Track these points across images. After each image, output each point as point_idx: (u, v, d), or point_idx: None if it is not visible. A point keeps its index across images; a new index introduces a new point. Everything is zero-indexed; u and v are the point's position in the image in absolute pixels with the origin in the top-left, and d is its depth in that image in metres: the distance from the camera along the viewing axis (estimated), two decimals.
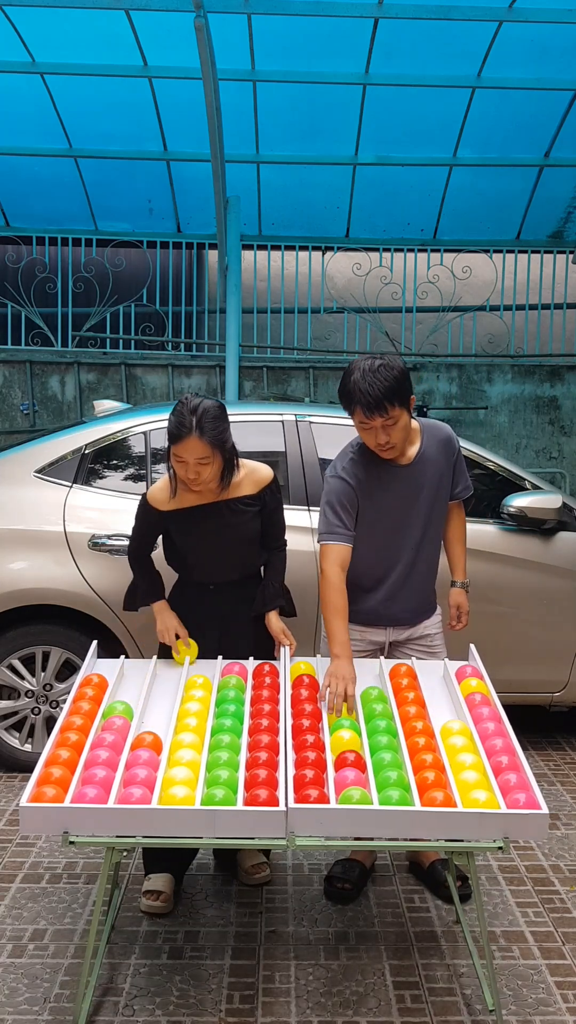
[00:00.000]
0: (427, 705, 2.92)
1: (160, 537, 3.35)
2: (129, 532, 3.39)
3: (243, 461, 3.23)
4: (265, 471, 3.28)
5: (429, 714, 2.88)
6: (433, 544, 3.31)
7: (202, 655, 3.26)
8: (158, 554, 3.37)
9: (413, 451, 3.19)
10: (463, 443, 4.56)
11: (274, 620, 3.30)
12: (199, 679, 3.07)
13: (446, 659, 3.23)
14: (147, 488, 4.13)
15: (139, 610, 3.45)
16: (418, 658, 3.28)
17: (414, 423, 3.22)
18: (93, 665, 3.23)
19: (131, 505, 3.98)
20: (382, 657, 3.25)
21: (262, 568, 3.39)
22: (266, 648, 3.34)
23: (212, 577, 3.27)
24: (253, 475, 3.24)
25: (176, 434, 3.03)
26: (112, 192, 9.28)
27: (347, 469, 3.16)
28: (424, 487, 3.19)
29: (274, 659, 3.29)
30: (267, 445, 4.50)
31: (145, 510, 3.26)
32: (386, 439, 3.04)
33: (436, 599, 3.41)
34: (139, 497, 3.97)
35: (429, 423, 3.27)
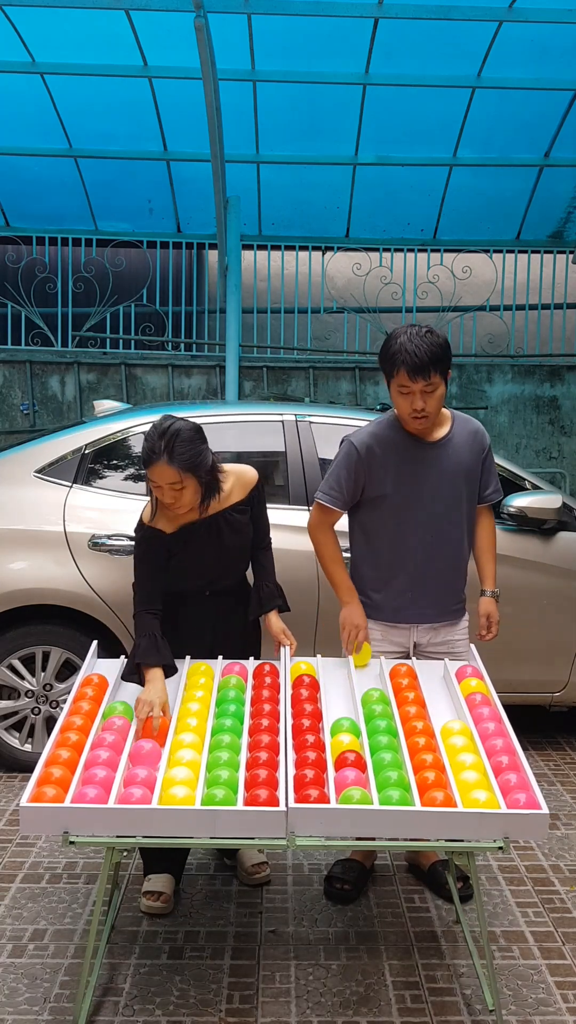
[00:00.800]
0: (427, 705, 2.92)
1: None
2: (129, 532, 3.35)
3: (227, 467, 3.17)
4: (251, 473, 3.24)
5: (429, 714, 2.88)
6: (457, 542, 3.25)
7: (196, 657, 3.22)
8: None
9: (441, 432, 3.19)
10: None
11: (274, 621, 3.29)
12: (200, 679, 3.06)
13: (446, 659, 3.22)
14: (146, 487, 4.13)
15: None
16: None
17: (447, 411, 3.24)
18: (93, 665, 3.23)
19: (131, 505, 4.00)
20: (382, 657, 3.24)
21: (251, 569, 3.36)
22: (255, 649, 3.34)
23: (208, 586, 3.22)
24: (240, 480, 3.19)
25: (146, 459, 2.96)
26: (112, 192, 9.29)
27: (360, 438, 3.18)
28: (447, 472, 3.17)
29: (268, 659, 3.28)
30: (267, 445, 4.50)
31: (150, 536, 3.09)
32: (422, 405, 3.04)
33: (465, 605, 3.37)
34: (139, 497, 3.96)
35: (461, 414, 3.30)
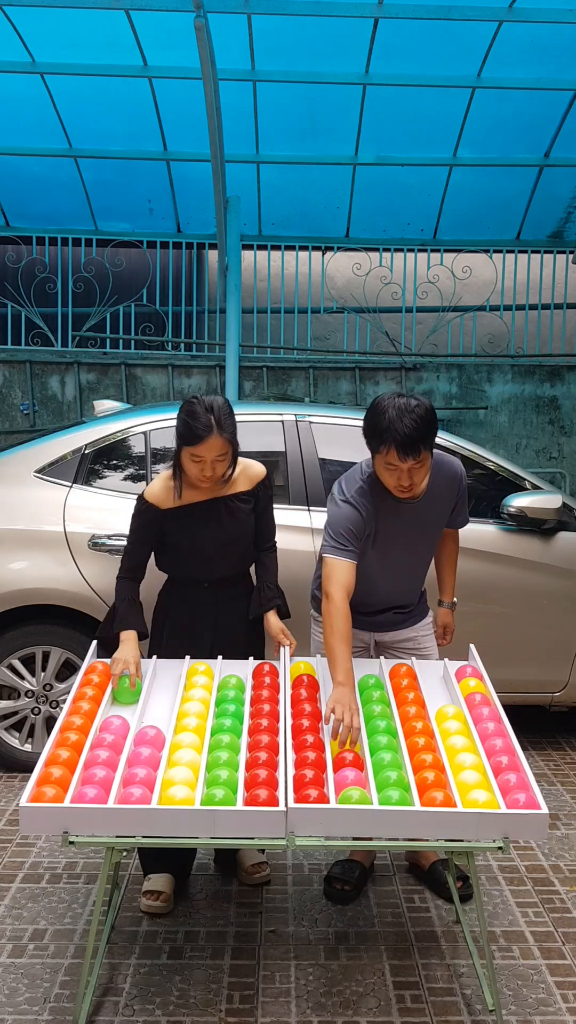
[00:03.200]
0: (427, 705, 2.92)
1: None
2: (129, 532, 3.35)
3: (239, 458, 3.25)
4: (259, 467, 3.31)
5: (429, 714, 2.88)
6: (424, 566, 3.32)
7: (195, 655, 3.22)
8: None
9: (421, 488, 3.08)
10: (463, 443, 4.58)
11: (273, 620, 3.30)
12: (200, 679, 3.07)
13: (446, 659, 3.22)
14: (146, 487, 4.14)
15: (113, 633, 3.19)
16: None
17: None
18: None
19: (131, 505, 3.99)
20: (382, 657, 3.25)
21: (252, 569, 3.38)
22: (257, 648, 3.34)
23: (206, 574, 3.25)
24: (248, 471, 3.26)
25: (195, 435, 3.02)
26: (112, 192, 9.28)
27: (357, 499, 3.07)
28: (427, 523, 3.20)
29: (265, 659, 3.28)
30: (267, 445, 4.50)
31: (145, 510, 3.20)
32: (409, 482, 2.97)
33: (427, 602, 3.42)
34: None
35: (443, 460, 3.19)
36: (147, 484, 4.27)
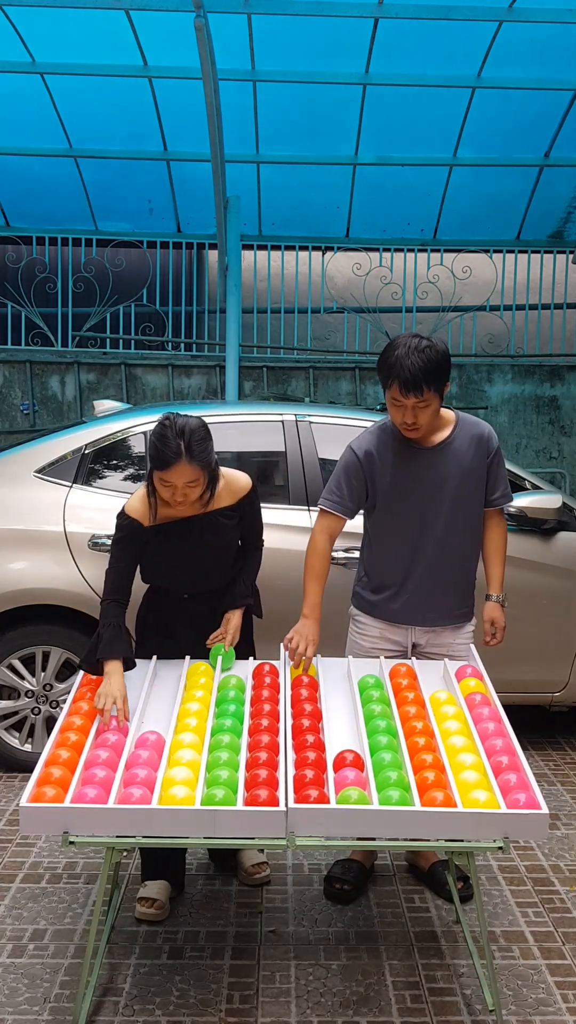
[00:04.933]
0: (427, 705, 2.92)
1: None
2: None
3: (222, 471, 3.13)
4: (243, 481, 3.18)
5: (429, 714, 2.88)
6: (462, 548, 3.24)
7: (175, 656, 3.19)
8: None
9: (439, 437, 3.17)
10: None
11: (235, 618, 3.20)
12: (200, 679, 3.07)
13: (446, 659, 3.22)
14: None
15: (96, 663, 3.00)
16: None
17: (451, 414, 3.22)
18: None
19: None
20: (382, 657, 3.24)
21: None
22: (241, 648, 3.28)
23: (188, 587, 3.20)
24: (231, 486, 3.14)
25: (163, 460, 2.88)
26: (112, 192, 9.28)
27: (360, 443, 3.18)
28: (447, 477, 3.15)
29: (247, 657, 3.27)
30: (267, 445, 4.50)
31: (127, 526, 3.05)
32: (413, 419, 3.04)
33: (472, 611, 3.34)
34: None
35: (469, 418, 3.26)
36: (148, 482, 4.28)
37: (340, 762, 2.61)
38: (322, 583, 3.18)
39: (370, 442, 3.17)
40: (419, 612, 3.22)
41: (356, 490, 3.17)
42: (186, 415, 2.99)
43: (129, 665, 2.99)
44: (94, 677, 2.99)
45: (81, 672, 3.10)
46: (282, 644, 3.13)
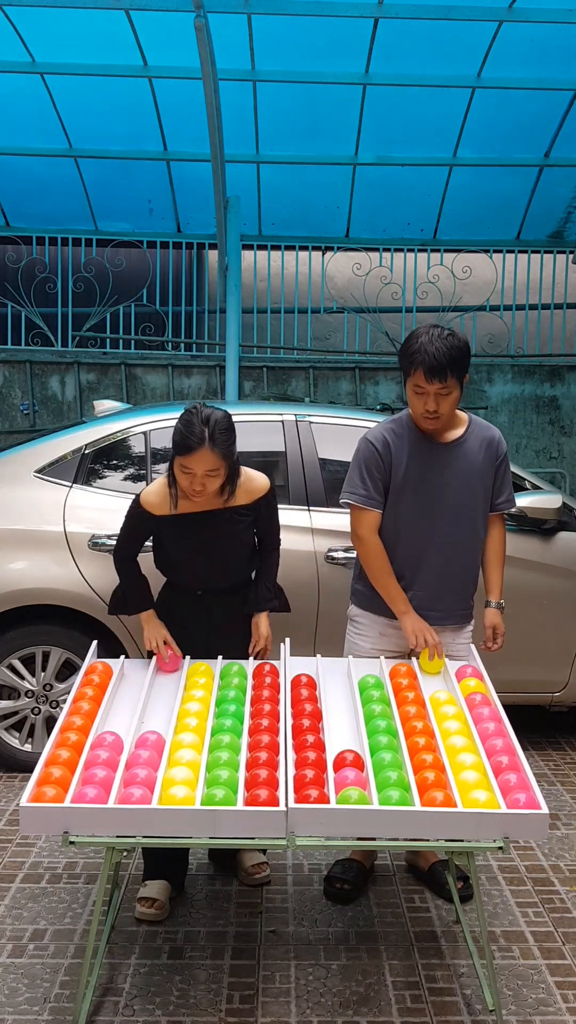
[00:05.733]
0: (427, 705, 2.92)
1: (150, 539, 3.27)
2: None
3: (243, 469, 3.16)
4: (261, 481, 3.20)
5: (430, 714, 2.88)
6: (468, 546, 3.25)
7: (188, 655, 3.22)
8: (146, 557, 3.30)
9: (455, 434, 3.19)
10: None
11: (263, 624, 3.27)
12: (200, 679, 3.07)
13: (446, 659, 3.22)
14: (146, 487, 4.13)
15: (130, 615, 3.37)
16: None
17: (464, 415, 3.24)
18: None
19: None
20: (382, 657, 3.24)
21: (254, 571, 3.34)
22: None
23: (201, 584, 3.22)
24: (248, 485, 3.16)
25: (186, 445, 2.93)
26: (112, 192, 9.28)
27: (377, 435, 3.18)
28: (457, 473, 3.16)
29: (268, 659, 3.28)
30: (267, 445, 4.50)
31: (137, 513, 3.16)
32: (435, 407, 3.04)
33: (472, 612, 3.36)
34: None
35: (481, 421, 3.30)
36: (147, 484, 4.28)
37: (340, 762, 2.61)
38: (394, 577, 3.16)
39: (386, 434, 3.18)
40: (421, 611, 3.21)
41: (379, 481, 3.16)
42: (213, 406, 3.04)
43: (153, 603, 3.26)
44: (99, 668, 3.10)
45: (81, 672, 3.11)
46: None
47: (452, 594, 3.24)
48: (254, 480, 3.19)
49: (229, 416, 3.03)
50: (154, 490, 3.15)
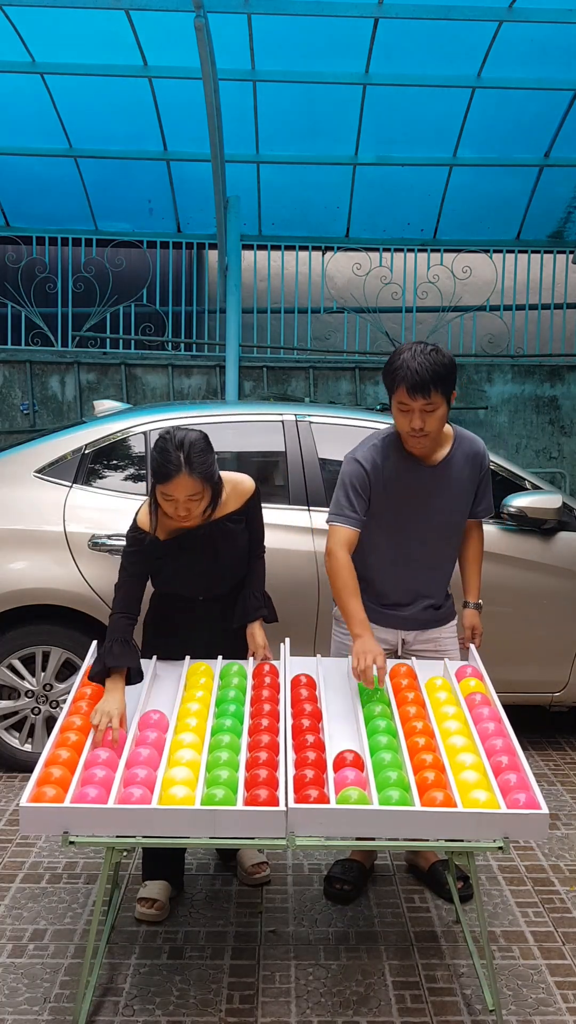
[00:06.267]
0: (427, 705, 2.92)
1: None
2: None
3: (224, 475, 3.10)
4: (247, 483, 3.16)
5: (429, 714, 2.88)
6: (446, 555, 3.27)
7: (182, 656, 3.19)
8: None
9: (440, 454, 3.13)
10: None
11: (258, 632, 3.24)
12: (200, 679, 3.06)
13: (446, 659, 3.22)
14: (146, 487, 4.13)
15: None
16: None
17: (449, 429, 3.18)
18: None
19: (131, 505, 4.00)
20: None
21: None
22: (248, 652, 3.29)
23: (203, 592, 3.19)
24: (237, 489, 3.12)
25: (163, 473, 2.84)
26: (112, 192, 9.28)
27: (365, 455, 3.12)
28: (442, 494, 3.15)
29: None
30: (267, 445, 4.50)
31: (141, 538, 3.01)
32: (420, 424, 2.98)
33: (453, 607, 3.38)
34: (139, 497, 3.95)
35: (465, 434, 3.23)
36: (147, 484, 4.28)
37: (340, 762, 2.61)
38: (359, 597, 3.04)
39: (373, 454, 3.11)
40: (410, 619, 3.25)
41: (364, 501, 3.11)
42: (186, 428, 2.95)
43: (136, 678, 2.96)
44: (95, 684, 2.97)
45: (81, 672, 3.11)
46: (349, 673, 3.00)
47: (431, 598, 3.27)
48: (241, 483, 3.14)
49: (205, 436, 2.94)
50: (146, 510, 3.04)
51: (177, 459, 2.83)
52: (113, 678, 2.87)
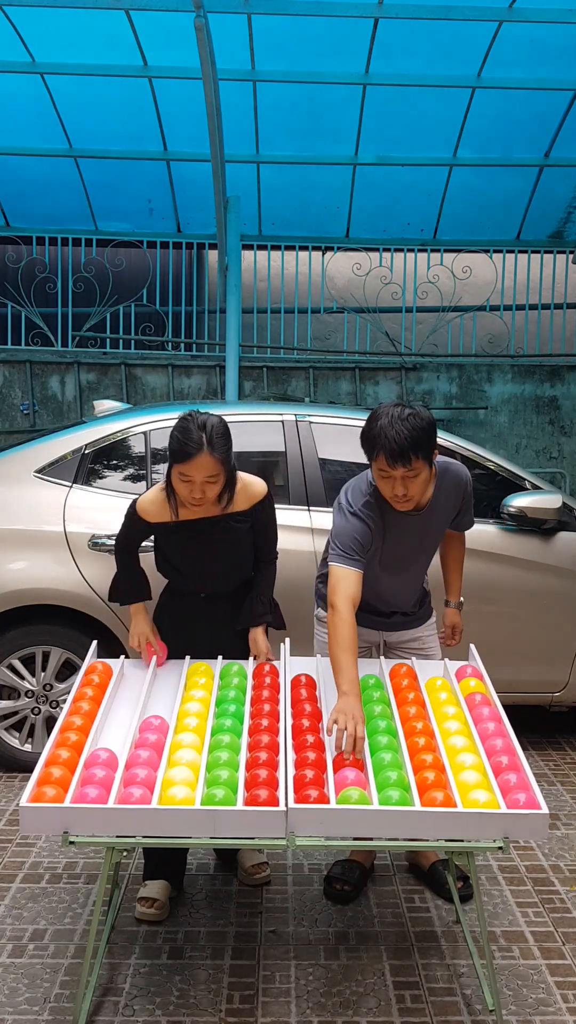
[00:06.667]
0: (427, 705, 2.92)
1: (153, 540, 3.26)
2: None
3: (239, 474, 3.12)
4: (259, 487, 3.16)
5: (429, 714, 2.88)
6: (423, 575, 3.32)
7: (191, 655, 3.22)
8: (149, 560, 3.29)
9: (425, 499, 3.09)
10: (463, 443, 4.58)
11: (260, 638, 3.24)
12: (200, 679, 3.06)
13: (446, 659, 3.23)
14: (146, 487, 4.13)
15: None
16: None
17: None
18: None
19: None
20: (382, 657, 3.25)
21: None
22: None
23: (203, 588, 3.21)
24: (246, 491, 3.12)
25: (184, 451, 2.89)
26: (112, 192, 9.28)
27: (365, 512, 3.02)
28: (429, 532, 3.17)
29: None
30: (267, 445, 4.50)
31: (133, 519, 3.16)
32: (403, 491, 2.93)
33: (431, 604, 3.42)
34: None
35: (449, 466, 3.16)
36: (147, 484, 4.29)
37: (340, 762, 2.61)
38: (355, 655, 2.90)
39: (371, 509, 3.03)
40: (389, 623, 3.29)
41: (366, 552, 3.04)
42: (207, 412, 3.01)
43: (147, 596, 3.28)
44: (99, 668, 3.12)
45: (81, 672, 3.11)
46: (323, 732, 2.83)
47: (411, 605, 3.30)
48: (252, 485, 3.15)
49: (225, 422, 3.00)
50: (150, 497, 3.11)
51: (199, 438, 2.89)
52: (134, 607, 3.25)
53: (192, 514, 3.07)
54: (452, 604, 3.49)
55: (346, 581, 2.97)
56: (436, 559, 3.42)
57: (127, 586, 3.29)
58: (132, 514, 3.17)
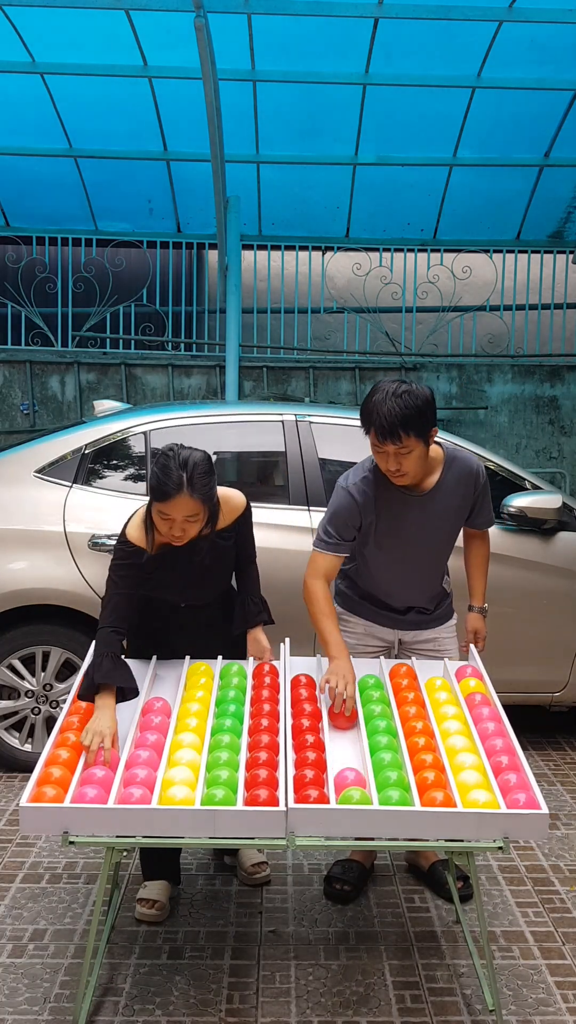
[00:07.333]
0: (427, 705, 2.92)
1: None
2: None
3: (218, 491, 3.01)
4: (238, 500, 3.10)
5: (429, 714, 2.87)
6: (442, 566, 3.28)
7: (165, 658, 3.18)
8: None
9: (431, 481, 3.09)
10: (463, 443, 4.58)
11: (261, 637, 3.23)
12: (200, 679, 3.06)
13: (446, 659, 3.23)
14: (146, 487, 4.13)
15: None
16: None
17: (440, 452, 3.13)
18: None
19: (131, 505, 4.00)
20: (382, 657, 3.25)
21: (234, 583, 3.27)
22: (236, 656, 3.26)
23: (184, 600, 3.14)
24: (227, 505, 3.05)
25: (163, 491, 2.76)
26: (112, 192, 9.28)
27: (357, 485, 3.07)
28: (431, 522, 3.13)
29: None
30: (267, 445, 4.50)
31: (132, 553, 2.93)
32: (397, 467, 2.94)
33: (452, 605, 3.39)
34: (139, 497, 3.94)
35: (458, 455, 3.15)
36: (147, 484, 4.28)
37: (337, 719, 2.62)
38: (335, 620, 3.08)
39: (365, 486, 3.07)
40: (404, 621, 3.27)
41: (350, 530, 3.09)
42: (191, 447, 2.87)
43: (131, 695, 2.90)
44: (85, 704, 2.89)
45: (81, 672, 3.10)
46: (318, 691, 3.00)
47: (430, 604, 3.28)
48: (231, 499, 3.08)
49: (208, 457, 2.86)
50: (136, 526, 2.97)
51: (179, 478, 2.75)
52: (103, 695, 2.79)
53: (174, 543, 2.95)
54: (475, 608, 3.41)
55: (319, 562, 3.11)
56: (461, 563, 3.41)
57: (111, 665, 2.81)
58: (129, 550, 2.93)
